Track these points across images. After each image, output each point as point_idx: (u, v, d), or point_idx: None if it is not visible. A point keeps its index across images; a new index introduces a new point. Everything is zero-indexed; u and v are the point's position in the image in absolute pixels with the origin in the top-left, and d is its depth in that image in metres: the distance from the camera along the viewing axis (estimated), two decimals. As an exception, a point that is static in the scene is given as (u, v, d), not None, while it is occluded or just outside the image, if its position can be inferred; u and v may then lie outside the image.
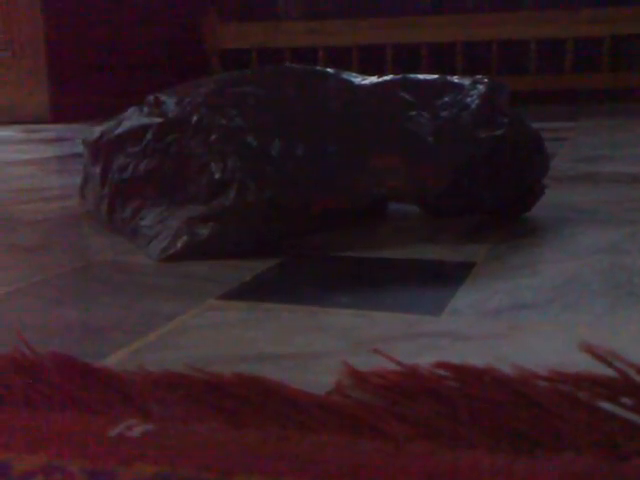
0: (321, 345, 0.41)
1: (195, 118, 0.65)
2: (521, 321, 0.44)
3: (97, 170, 0.74)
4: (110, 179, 0.71)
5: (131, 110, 0.74)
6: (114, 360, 0.39)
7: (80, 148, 1.65)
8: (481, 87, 0.69)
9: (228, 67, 2.88)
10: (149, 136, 0.68)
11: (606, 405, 0.30)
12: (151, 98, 0.71)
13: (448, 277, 0.54)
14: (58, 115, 2.48)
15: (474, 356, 0.39)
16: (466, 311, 0.46)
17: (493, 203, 0.68)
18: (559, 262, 0.58)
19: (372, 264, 0.59)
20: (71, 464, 0.26)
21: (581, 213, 0.76)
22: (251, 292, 0.52)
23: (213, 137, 0.63)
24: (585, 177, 1.03)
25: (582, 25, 2.65)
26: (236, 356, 0.40)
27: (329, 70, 0.72)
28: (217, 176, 0.62)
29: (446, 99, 0.68)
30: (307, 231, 0.65)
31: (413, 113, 0.66)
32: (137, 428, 0.29)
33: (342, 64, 2.69)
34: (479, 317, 0.45)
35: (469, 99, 0.67)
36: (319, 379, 0.37)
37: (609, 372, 0.32)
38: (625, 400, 0.30)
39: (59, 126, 2.35)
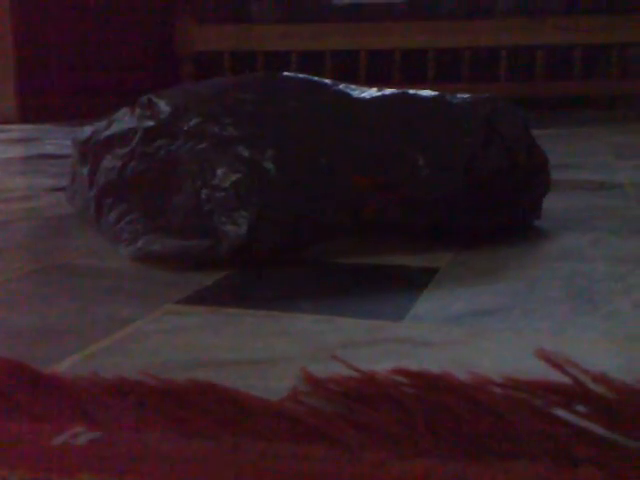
0: (281, 351, 0.41)
1: (187, 124, 0.64)
2: (481, 327, 0.44)
3: (85, 171, 0.73)
4: (97, 181, 0.69)
5: (122, 111, 0.72)
6: (67, 365, 0.38)
7: (48, 148, 1.62)
8: (481, 108, 0.67)
9: (201, 70, 2.86)
10: (138, 139, 0.67)
11: (561, 412, 0.30)
12: (144, 99, 0.70)
13: (412, 283, 0.54)
14: (26, 115, 2.44)
15: (434, 362, 0.39)
16: (427, 317, 0.46)
17: (472, 231, 0.67)
18: (522, 268, 0.58)
19: (336, 270, 0.59)
20: (12, 475, 0.25)
21: (546, 220, 0.77)
22: (212, 297, 0.51)
23: (203, 145, 0.62)
24: (552, 185, 1.04)
25: (553, 33, 2.69)
26: (193, 362, 0.39)
27: (327, 81, 0.71)
28: (200, 186, 0.60)
29: (443, 120, 0.66)
30: (296, 244, 0.63)
31: (408, 133, 0.64)
32: (83, 436, 0.28)
33: (314, 69, 2.69)
34: (440, 323, 0.45)
35: (467, 122, 0.66)
36: (277, 385, 0.36)
37: (565, 379, 0.32)
38: (579, 407, 0.30)
39: (26, 126, 2.31)
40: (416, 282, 0.54)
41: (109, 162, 0.68)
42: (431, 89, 0.76)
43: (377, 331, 0.44)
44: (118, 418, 0.31)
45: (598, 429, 0.29)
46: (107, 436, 0.29)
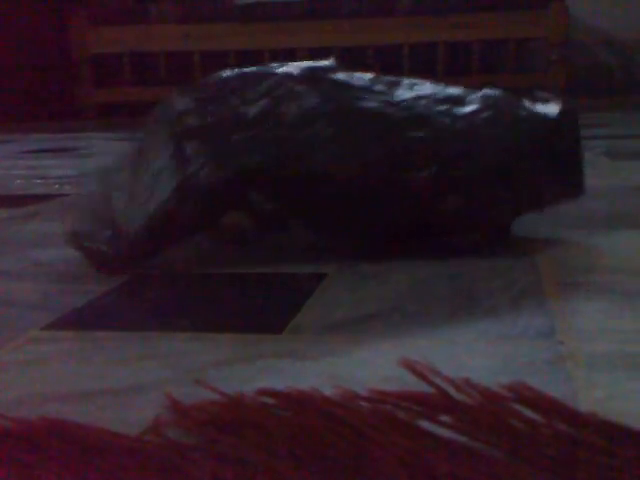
0: (150, 376, 0.39)
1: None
2: (362, 334, 0.43)
3: None
4: None
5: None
6: None
7: None
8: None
9: (99, 73, 2.76)
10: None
11: (425, 424, 0.30)
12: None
13: (297, 290, 0.53)
14: None
15: (309, 377, 0.37)
16: (309, 327, 0.45)
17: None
18: (410, 269, 0.58)
19: (220, 281, 0.57)
20: None
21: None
22: (83, 320, 0.48)
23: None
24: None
25: (453, 30, 2.76)
26: (51, 395, 0.36)
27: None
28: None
29: None
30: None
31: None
32: None
33: (219, 68, 2.64)
34: (321, 333, 0.44)
35: None
36: (140, 415, 0.34)
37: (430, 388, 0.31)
38: (444, 418, 0.30)
39: None
40: (302, 289, 0.53)
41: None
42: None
43: (254, 346, 0.42)
44: (-52, 471, 0.28)
45: (461, 439, 0.29)
46: None
